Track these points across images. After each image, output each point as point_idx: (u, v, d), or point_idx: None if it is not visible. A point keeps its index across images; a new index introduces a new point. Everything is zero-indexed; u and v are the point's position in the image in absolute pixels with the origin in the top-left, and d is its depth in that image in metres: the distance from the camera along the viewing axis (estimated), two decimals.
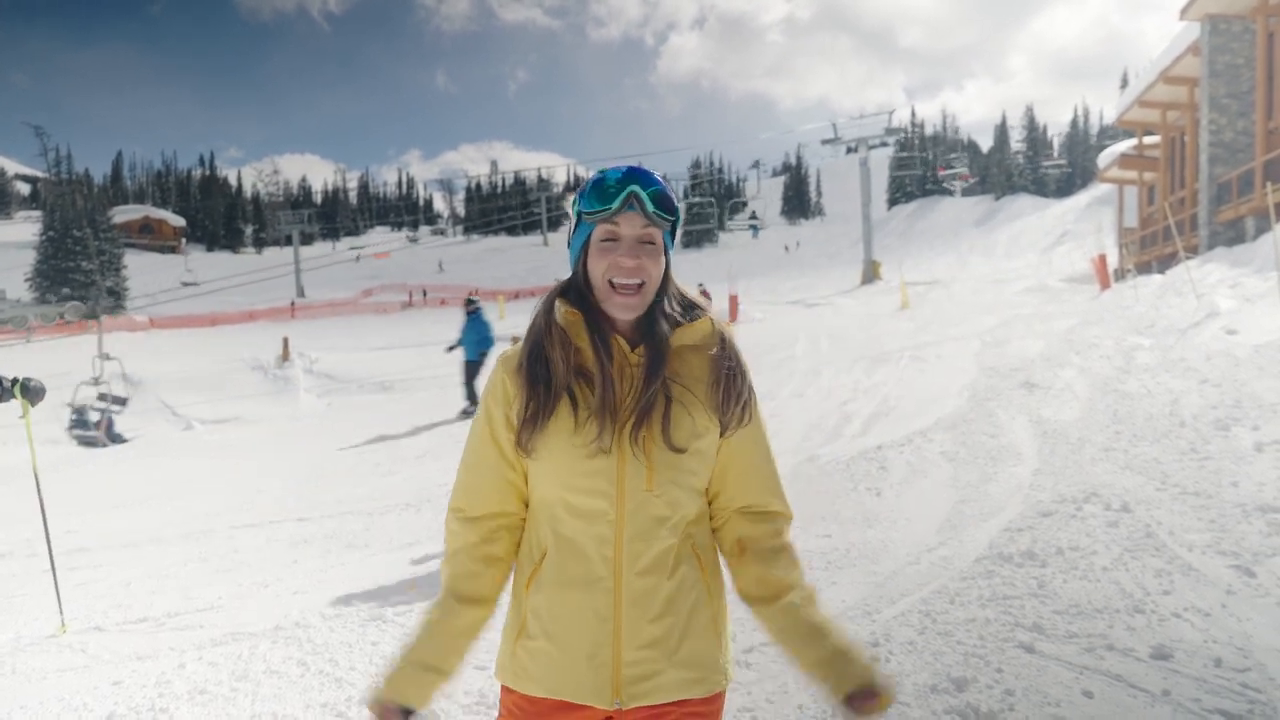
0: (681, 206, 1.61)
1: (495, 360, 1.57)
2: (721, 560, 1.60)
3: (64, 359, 22.36)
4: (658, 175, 1.48)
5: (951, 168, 76.04)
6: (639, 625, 1.44)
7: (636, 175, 1.45)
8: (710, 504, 1.58)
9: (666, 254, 1.51)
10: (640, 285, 1.45)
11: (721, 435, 1.53)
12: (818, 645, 1.48)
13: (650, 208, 1.44)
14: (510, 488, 1.53)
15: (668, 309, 1.51)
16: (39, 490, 4.67)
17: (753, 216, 42.71)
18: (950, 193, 73.83)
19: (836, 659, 1.46)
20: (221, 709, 3.37)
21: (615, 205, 1.43)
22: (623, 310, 1.46)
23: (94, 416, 15.17)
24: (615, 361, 1.47)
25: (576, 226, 1.51)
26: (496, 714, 1.58)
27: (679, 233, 1.58)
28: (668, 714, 1.47)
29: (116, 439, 14.68)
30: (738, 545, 1.55)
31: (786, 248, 73.53)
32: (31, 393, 4.49)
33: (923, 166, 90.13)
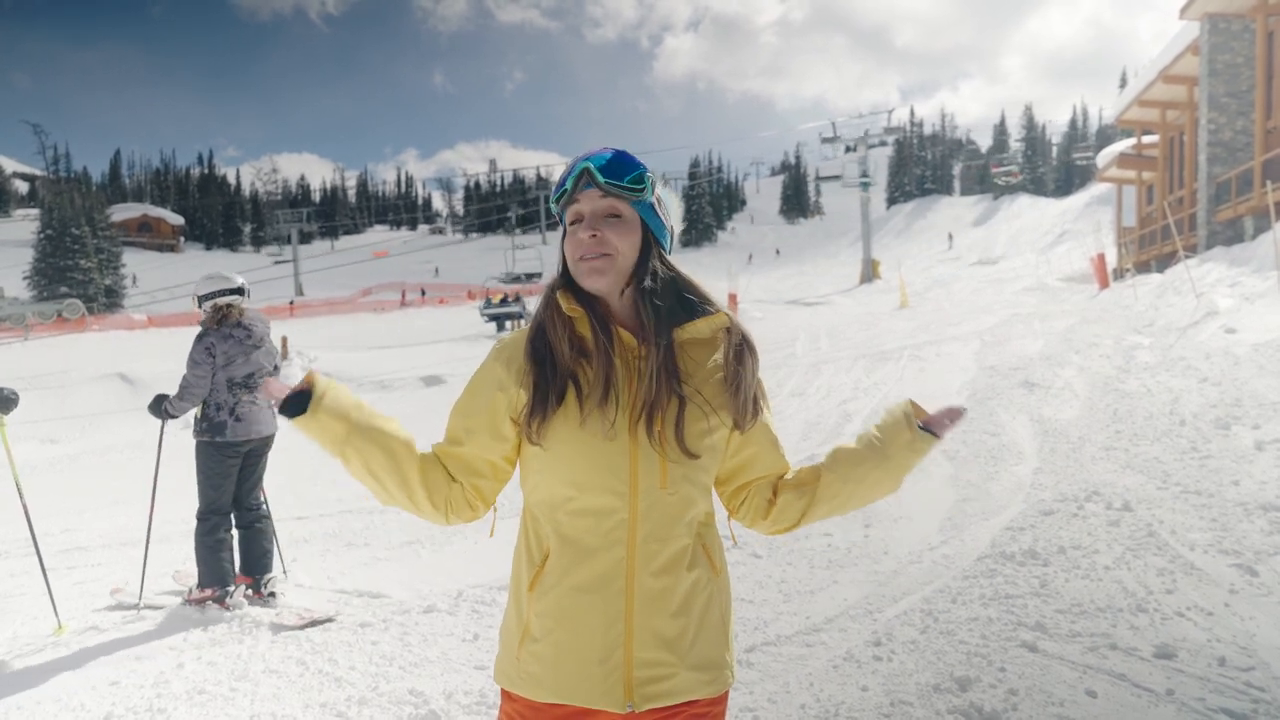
0: (680, 202, 1.57)
1: (491, 348, 1.55)
2: (726, 561, 1.58)
3: (62, 356, 22.34)
4: (614, 150, 1.45)
5: (1004, 165, 77.73)
6: (652, 625, 1.41)
7: (592, 155, 1.45)
8: (728, 482, 1.57)
9: (649, 230, 1.46)
10: (606, 255, 1.42)
11: (738, 431, 1.52)
12: (868, 446, 1.56)
13: (601, 179, 1.42)
14: (491, 467, 1.52)
15: (653, 291, 1.44)
16: (21, 497, 4.63)
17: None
18: (1004, 189, 75.23)
19: (887, 430, 1.56)
20: (220, 709, 3.35)
21: (569, 185, 1.44)
22: (590, 277, 1.42)
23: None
24: (617, 350, 1.44)
25: (560, 222, 1.50)
26: (496, 717, 1.55)
27: (673, 218, 1.53)
28: (677, 714, 1.45)
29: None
30: (770, 500, 1.57)
31: (750, 257, 70.44)
32: (4, 402, 4.45)
33: (921, 165, 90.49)
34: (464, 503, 1.53)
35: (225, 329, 4.69)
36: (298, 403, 1.47)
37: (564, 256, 1.49)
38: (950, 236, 61.13)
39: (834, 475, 1.55)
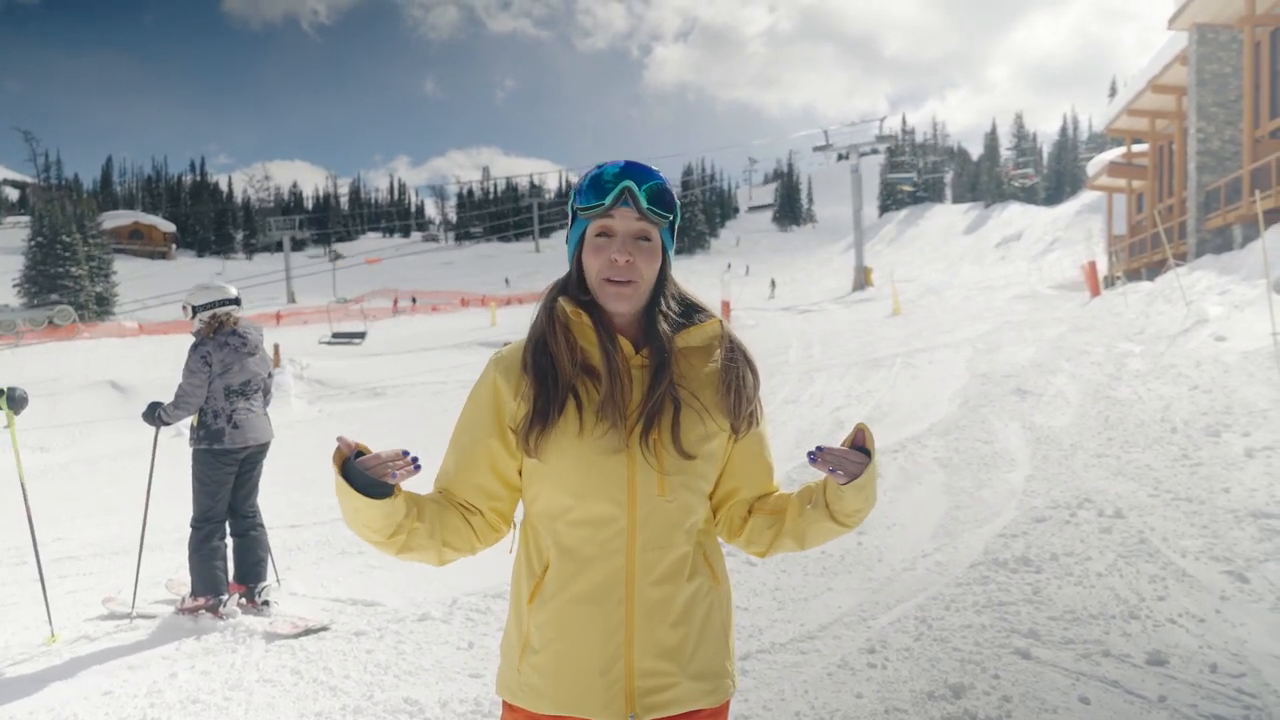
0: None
1: (488, 360, 1.53)
2: (727, 570, 1.58)
3: (53, 363, 22.22)
4: (643, 165, 1.44)
5: (1020, 168, 78.88)
6: (653, 635, 1.41)
7: (632, 170, 1.43)
8: (715, 490, 1.54)
9: (665, 252, 1.47)
10: (633, 282, 1.42)
11: (734, 438, 1.51)
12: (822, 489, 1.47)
13: (645, 204, 1.41)
14: (495, 483, 1.49)
15: (666, 309, 1.47)
16: (25, 499, 4.61)
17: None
18: (1019, 192, 75.99)
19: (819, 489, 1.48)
20: (214, 718, 3.33)
21: (609, 201, 1.41)
22: (616, 301, 1.42)
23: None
24: (620, 361, 1.43)
25: (573, 223, 1.48)
26: None
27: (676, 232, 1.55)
28: None
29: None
30: (744, 518, 1.55)
31: (747, 268, 68.14)
32: (16, 401, 4.45)
33: (916, 173, 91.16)
34: (487, 528, 1.52)
35: (221, 337, 4.72)
36: (383, 484, 1.34)
37: (575, 264, 1.48)
38: (773, 283, 46.56)
39: (794, 511, 1.51)
